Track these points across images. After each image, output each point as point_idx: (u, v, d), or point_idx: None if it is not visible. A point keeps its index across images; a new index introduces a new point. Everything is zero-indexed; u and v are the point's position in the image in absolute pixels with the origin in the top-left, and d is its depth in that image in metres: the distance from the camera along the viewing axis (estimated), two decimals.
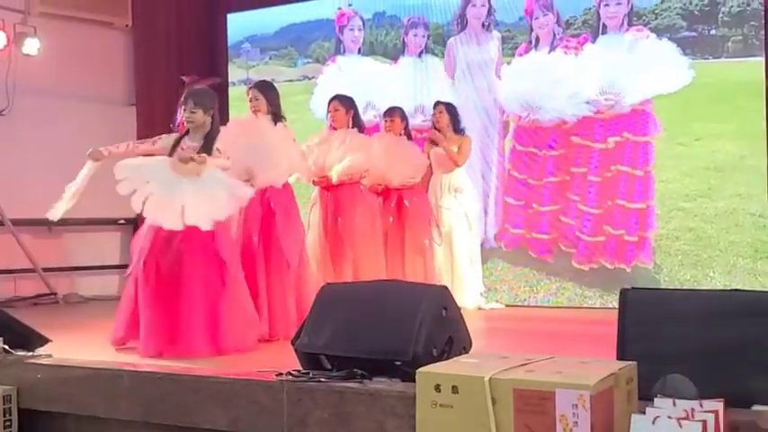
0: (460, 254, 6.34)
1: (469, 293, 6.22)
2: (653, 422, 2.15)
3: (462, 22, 7.32)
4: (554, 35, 6.91)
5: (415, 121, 7.06)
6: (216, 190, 4.27)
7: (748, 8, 6.28)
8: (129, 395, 3.36)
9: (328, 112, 5.74)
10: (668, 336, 2.71)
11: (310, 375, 3.06)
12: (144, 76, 8.57)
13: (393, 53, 7.68)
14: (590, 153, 6.69)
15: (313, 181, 5.71)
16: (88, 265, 7.69)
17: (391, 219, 6.10)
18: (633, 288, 2.93)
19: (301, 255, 4.91)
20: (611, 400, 2.22)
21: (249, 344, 4.27)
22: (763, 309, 2.70)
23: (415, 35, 7.58)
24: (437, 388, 2.29)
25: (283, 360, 3.35)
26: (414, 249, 6.09)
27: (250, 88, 5.13)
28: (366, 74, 7.70)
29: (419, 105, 7.33)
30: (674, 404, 2.23)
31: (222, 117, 8.56)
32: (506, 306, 6.64)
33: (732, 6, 6.33)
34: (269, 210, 4.85)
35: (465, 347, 3.19)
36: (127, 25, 8.44)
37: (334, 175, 5.57)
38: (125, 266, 8.38)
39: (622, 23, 6.64)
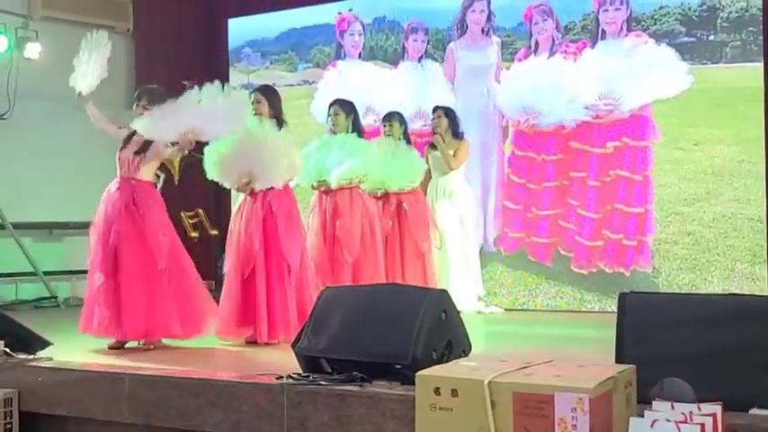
0: (454, 257, 6.35)
1: (466, 297, 6.22)
2: (651, 425, 2.17)
3: (462, 27, 7.35)
4: (553, 40, 6.93)
5: (415, 126, 7.09)
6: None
7: (747, 14, 6.31)
8: (129, 398, 3.37)
9: (328, 116, 5.76)
10: (667, 339, 2.73)
11: (310, 378, 3.08)
12: (145, 81, 8.54)
13: (393, 58, 7.71)
14: (589, 158, 6.71)
15: (312, 185, 5.73)
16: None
17: (390, 223, 6.12)
18: (632, 292, 2.94)
19: (302, 258, 4.93)
20: (610, 403, 2.24)
21: (189, 331, 4.63)
22: (761, 313, 2.71)
23: (415, 40, 7.60)
24: (436, 391, 2.30)
25: (284, 363, 3.36)
26: (413, 253, 6.11)
27: (253, 92, 5.15)
28: (366, 78, 7.72)
29: (419, 110, 7.35)
30: (673, 407, 2.24)
31: None
32: (505, 310, 6.65)
33: (731, 12, 6.36)
34: (270, 212, 4.86)
35: (464, 351, 3.20)
36: (128, 29, 8.47)
37: (333, 180, 5.59)
38: None
39: (621, 29, 6.67)
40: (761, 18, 6.25)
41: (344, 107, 5.71)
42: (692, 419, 2.17)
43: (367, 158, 5.71)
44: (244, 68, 8.50)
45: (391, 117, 6.36)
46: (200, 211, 8.68)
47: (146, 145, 4.70)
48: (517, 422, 2.20)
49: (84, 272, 4.76)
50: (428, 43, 7.54)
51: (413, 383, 2.42)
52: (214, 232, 8.75)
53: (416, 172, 6.25)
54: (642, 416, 2.23)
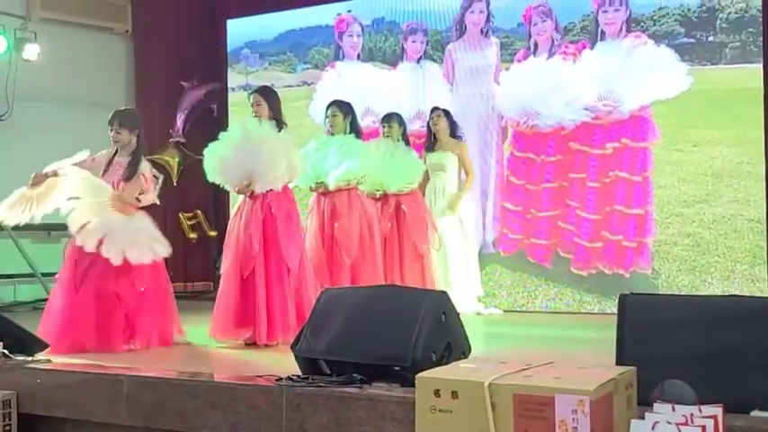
0: (455, 259, 6.35)
1: (465, 298, 6.21)
2: (652, 427, 2.16)
3: (461, 28, 7.34)
4: (552, 41, 6.92)
5: (414, 127, 7.07)
6: (139, 235, 4.71)
7: (746, 15, 6.30)
8: (128, 400, 3.36)
9: (326, 117, 5.75)
10: (667, 341, 2.72)
11: (309, 380, 3.07)
12: (144, 82, 8.59)
13: (392, 59, 7.70)
14: (588, 159, 6.70)
15: (310, 187, 5.71)
16: None
17: (389, 224, 6.11)
18: (632, 294, 2.94)
19: (302, 259, 4.92)
20: (611, 405, 2.23)
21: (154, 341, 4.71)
22: (761, 314, 2.71)
23: (414, 41, 7.60)
24: (436, 393, 2.29)
25: (283, 365, 3.35)
26: (412, 255, 6.10)
27: (251, 93, 5.14)
28: (365, 79, 7.71)
29: (418, 111, 7.34)
30: (674, 409, 2.24)
31: (221, 123, 8.63)
32: (504, 311, 6.64)
33: (730, 13, 6.35)
34: (270, 214, 4.85)
35: (464, 352, 3.20)
36: (127, 31, 8.47)
37: (332, 181, 5.58)
38: None
39: (621, 30, 6.66)
40: (760, 19, 6.24)
41: (342, 108, 5.70)
42: (692, 421, 2.17)
43: (365, 160, 5.70)
44: (242, 69, 8.49)
45: (390, 118, 6.35)
46: (199, 212, 8.69)
47: (131, 171, 4.79)
48: (518, 424, 2.19)
49: None
50: (427, 44, 7.53)
51: (412, 385, 2.42)
52: (212, 233, 8.75)
53: (415, 173, 6.24)
54: (643, 418, 2.23)
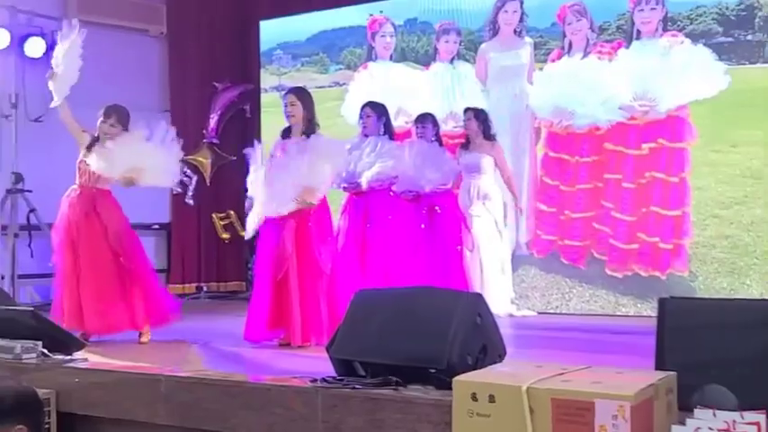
0: (490, 261, 6.32)
1: (499, 300, 6.19)
2: None
3: (494, 27, 7.30)
4: (587, 41, 6.87)
5: (447, 128, 7.06)
6: None
7: None
8: (165, 400, 3.38)
9: (360, 118, 5.75)
10: (707, 345, 2.68)
11: (344, 382, 3.06)
12: (178, 83, 8.66)
13: (424, 59, 7.68)
14: (624, 159, 6.63)
15: (343, 187, 5.72)
16: None
17: (422, 225, 6.09)
18: (672, 297, 2.90)
19: (335, 261, 4.92)
20: (651, 410, 2.20)
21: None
22: None
23: (447, 41, 7.57)
24: (474, 397, 2.28)
25: (318, 366, 3.35)
26: (445, 256, 6.08)
27: (286, 94, 5.15)
28: (397, 80, 7.70)
29: (450, 111, 7.32)
30: (715, 415, 2.20)
31: (254, 123, 8.66)
32: (538, 313, 6.60)
33: None
34: (302, 216, 4.86)
35: (499, 355, 3.17)
36: (162, 32, 8.54)
37: (365, 182, 5.58)
38: (159, 270, 8.50)
39: (657, 29, 6.59)
40: None
41: (376, 110, 5.70)
42: (734, 428, 2.13)
43: (399, 160, 5.70)
44: (275, 70, 8.52)
45: (424, 118, 6.34)
46: (232, 212, 8.73)
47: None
48: (556, 429, 2.17)
49: None
50: (460, 44, 7.50)
51: (447, 388, 2.40)
52: (245, 234, 8.79)
53: (448, 174, 6.22)
54: (684, 423, 2.19)
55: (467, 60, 7.46)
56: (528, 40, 7.15)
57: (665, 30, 6.56)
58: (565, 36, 6.97)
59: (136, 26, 8.34)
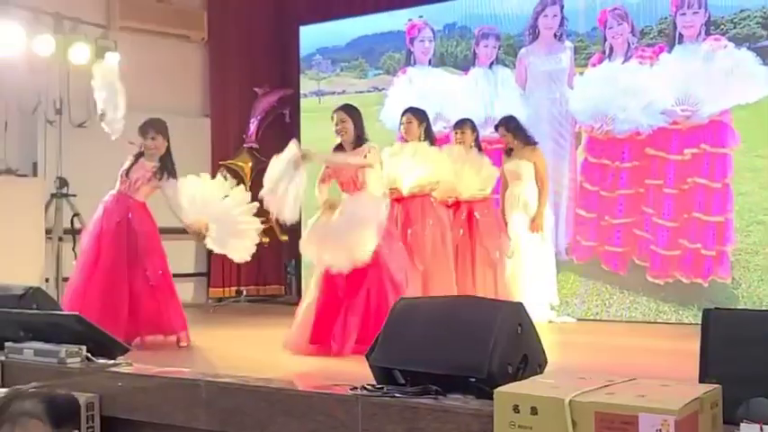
0: (529, 268, 6.27)
1: (539, 307, 6.14)
2: None
3: (534, 32, 7.27)
4: (628, 45, 6.80)
5: (485, 133, 7.02)
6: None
7: None
8: (205, 405, 3.41)
9: (401, 123, 5.75)
10: (752, 358, 2.63)
11: (384, 390, 3.06)
12: (218, 88, 8.76)
13: (463, 64, 7.67)
14: (665, 165, 6.56)
15: (384, 193, 5.71)
16: None
17: (462, 231, 6.08)
18: (716, 308, 2.86)
19: (406, 272, 4.92)
20: (696, 424, 2.17)
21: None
22: None
23: (486, 46, 7.55)
24: (515, 408, 2.26)
25: (359, 373, 3.36)
26: (484, 262, 6.05)
27: (335, 111, 5.15)
28: (436, 85, 7.70)
29: (489, 117, 7.29)
30: (762, 429, 2.17)
31: (293, 128, 8.71)
32: (578, 320, 6.55)
33: None
34: None
35: (540, 365, 3.15)
36: (203, 39, 8.64)
37: (405, 188, 5.58)
38: (200, 274, 8.60)
39: (699, 33, 6.50)
40: None
41: (417, 115, 5.70)
42: None
43: (438, 166, 5.69)
44: (314, 75, 8.57)
45: (463, 124, 6.32)
46: (271, 216, 8.79)
47: (159, 174, 5.30)
48: None
49: None
50: (499, 49, 7.48)
51: (488, 397, 2.39)
52: (284, 238, 8.85)
53: (488, 180, 6.20)
54: None
55: (506, 65, 7.43)
56: (568, 44, 7.11)
57: (707, 34, 6.48)
58: (606, 40, 6.91)
59: (177, 32, 8.45)
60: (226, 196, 5.38)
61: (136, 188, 5.31)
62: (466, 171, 6.08)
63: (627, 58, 6.80)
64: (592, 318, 6.69)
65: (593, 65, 6.96)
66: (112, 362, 3.85)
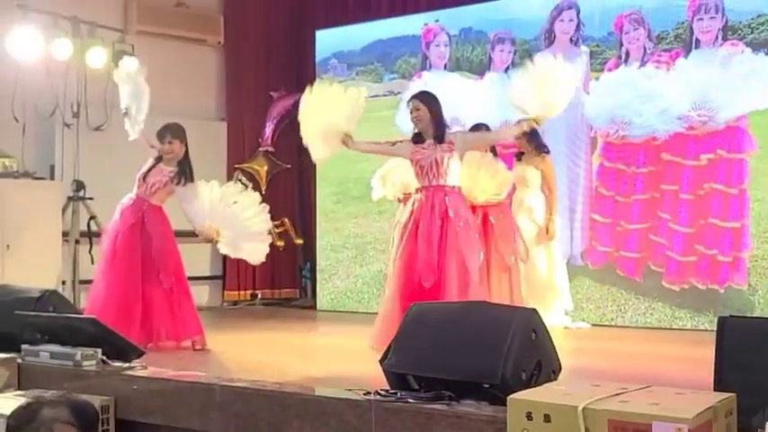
0: (536, 273, 6.25)
1: (553, 312, 6.11)
2: None
3: (550, 37, 7.24)
4: (645, 50, 6.77)
5: None
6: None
7: None
8: (220, 409, 3.43)
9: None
10: None
11: (398, 395, 3.07)
12: (234, 92, 8.79)
13: (479, 69, 7.66)
14: (682, 170, 6.52)
15: (398, 198, 5.71)
16: None
17: (476, 235, 6.05)
18: (731, 316, 2.84)
19: (481, 273, 4.91)
20: None
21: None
22: None
23: (502, 50, 7.54)
24: (529, 416, 2.27)
25: (373, 378, 3.36)
26: (499, 267, 6.01)
27: (410, 99, 5.12)
28: (452, 89, 7.68)
29: (505, 121, 7.26)
30: None
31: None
32: (592, 325, 6.52)
33: None
34: (447, 217, 4.89)
35: (554, 371, 3.15)
36: (219, 42, 8.68)
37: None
38: (215, 277, 8.63)
39: (716, 38, 6.46)
40: None
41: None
42: None
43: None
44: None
45: (478, 128, 6.29)
46: (286, 220, 8.81)
47: (177, 178, 5.36)
48: None
49: None
50: (515, 54, 7.46)
51: (501, 403, 2.39)
52: (299, 241, 8.88)
53: (503, 184, 6.17)
54: None
55: None
56: (584, 48, 7.08)
57: (724, 39, 6.44)
58: (622, 45, 6.88)
59: (194, 36, 8.49)
60: (235, 202, 5.37)
61: (152, 192, 5.37)
62: (481, 176, 6.05)
63: (643, 63, 6.77)
64: (607, 323, 6.66)
65: (609, 70, 6.94)
66: (127, 365, 3.88)
